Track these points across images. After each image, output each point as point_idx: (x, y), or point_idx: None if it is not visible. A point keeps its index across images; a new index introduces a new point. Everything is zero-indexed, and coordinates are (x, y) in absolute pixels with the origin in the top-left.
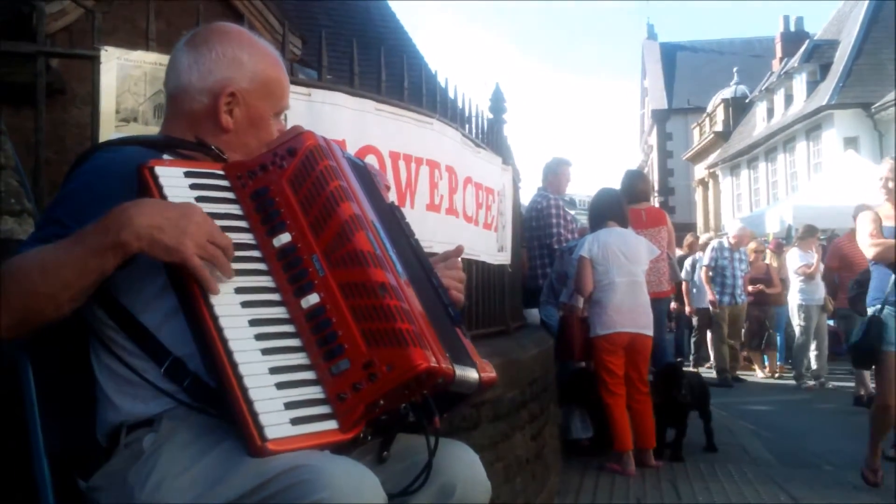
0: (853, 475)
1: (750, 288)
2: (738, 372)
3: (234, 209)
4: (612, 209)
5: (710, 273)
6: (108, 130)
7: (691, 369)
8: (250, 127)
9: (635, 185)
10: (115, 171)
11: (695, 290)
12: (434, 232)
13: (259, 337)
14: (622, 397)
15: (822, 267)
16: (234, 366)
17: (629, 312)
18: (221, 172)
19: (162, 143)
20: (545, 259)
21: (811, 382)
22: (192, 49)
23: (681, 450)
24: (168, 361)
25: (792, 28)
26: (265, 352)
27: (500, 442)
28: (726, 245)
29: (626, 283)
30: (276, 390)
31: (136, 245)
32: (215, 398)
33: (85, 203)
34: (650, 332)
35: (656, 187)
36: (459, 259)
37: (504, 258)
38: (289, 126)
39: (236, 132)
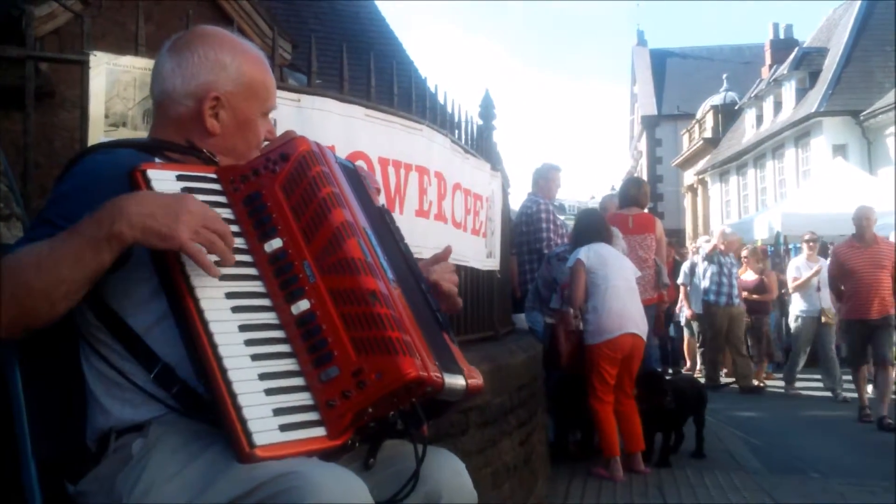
0: (840, 483)
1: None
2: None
3: (225, 213)
4: (597, 229)
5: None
6: (98, 135)
7: (692, 374)
8: (237, 129)
9: (627, 190)
10: (107, 173)
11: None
12: (423, 238)
13: (249, 342)
14: (610, 404)
15: (824, 275)
16: (224, 371)
17: (631, 316)
18: (214, 176)
19: (154, 146)
20: (535, 264)
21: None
22: (174, 54)
23: (668, 455)
24: (157, 368)
25: (781, 35)
26: (255, 357)
27: (487, 448)
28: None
29: (625, 288)
30: (264, 396)
31: (129, 234)
32: (204, 406)
33: (77, 205)
34: (645, 336)
35: None
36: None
37: (493, 264)
38: (279, 132)
39: (223, 135)
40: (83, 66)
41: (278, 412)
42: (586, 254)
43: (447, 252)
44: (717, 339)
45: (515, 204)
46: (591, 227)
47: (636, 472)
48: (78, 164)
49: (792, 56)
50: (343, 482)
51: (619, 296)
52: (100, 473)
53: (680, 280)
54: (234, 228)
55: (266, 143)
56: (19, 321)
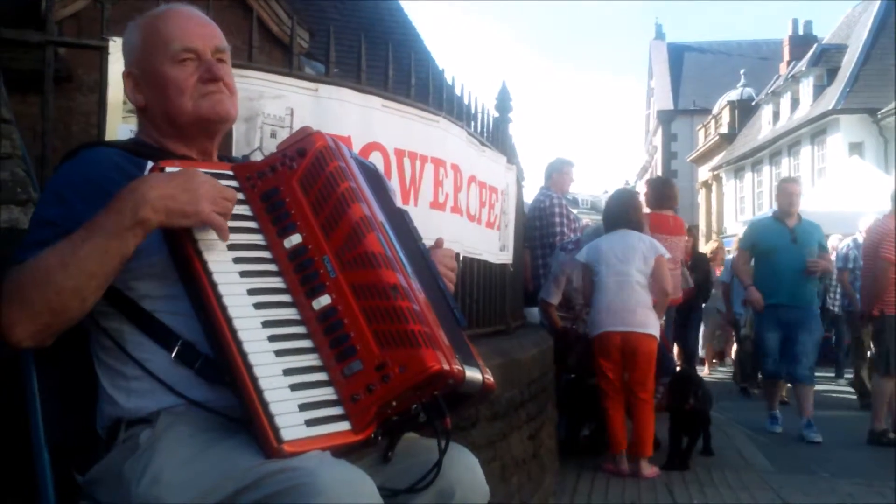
0: (849, 482)
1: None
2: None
3: (243, 210)
4: (621, 215)
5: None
6: (116, 121)
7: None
8: (154, 90)
9: (663, 189)
10: (98, 170)
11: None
12: (438, 230)
13: (272, 338)
14: (617, 400)
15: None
16: (249, 367)
17: (619, 312)
18: (230, 173)
19: (135, 148)
20: (548, 258)
21: None
22: None
23: (688, 458)
24: (178, 345)
25: (800, 31)
26: (279, 353)
27: (497, 441)
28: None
29: (615, 282)
30: (290, 392)
31: (155, 219)
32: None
33: (79, 203)
34: (648, 331)
35: None
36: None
37: (506, 257)
38: (297, 120)
39: (150, 104)
40: (102, 52)
41: (304, 407)
42: (587, 251)
43: (439, 243)
44: (862, 348)
45: (529, 197)
46: (615, 212)
47: (639, 477)
48: (70, 161)
49: (810, 53)
50: (351, 481)
51: (608, 292)
52: (108, 463)
53: (722, 277)
54: (253, 225)
55: (210, 84)
56: (51, 326)
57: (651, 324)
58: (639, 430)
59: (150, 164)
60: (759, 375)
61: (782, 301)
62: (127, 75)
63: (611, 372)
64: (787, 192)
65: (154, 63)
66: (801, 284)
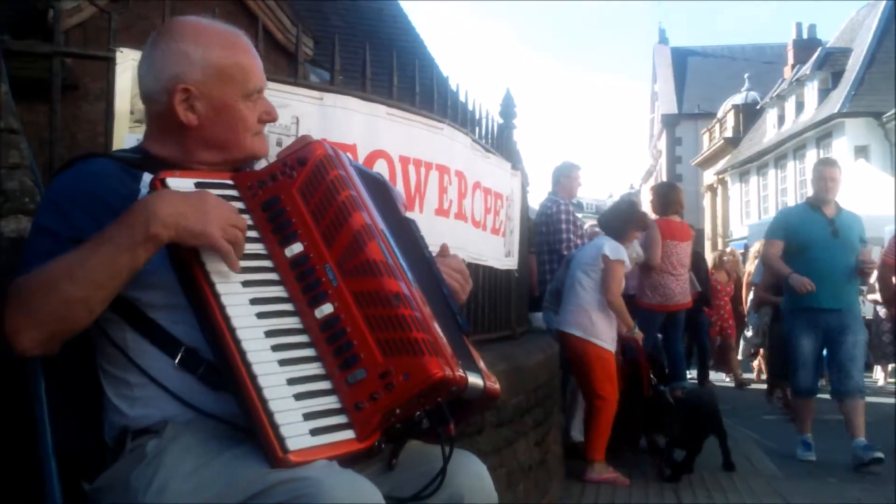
0: (857, 489)
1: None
2: None
3: (245, 219)
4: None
5: None
6: (122, 131)
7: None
8: (217, 117)
9: (672, 195)
10: (94, 181)
11: None
12: (442, 237)
13: (276, 348)
14: (591, 402)
15: None
16: (253, 377)
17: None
18: (231, 183)
19: (140, 161)
20: (554, 264)
21: None
22: (146, 53)
23: (683, 471)
24: (181, 351)
25: (804, 35)
26: (282, 363)
27: (503, 448)
28: None
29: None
30: (294, 401)
31: (165, 235)
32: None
33: (71, 212)
34: (570, 330)
35: None
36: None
37: (511, 263)
38: (302, 129)
39: (203, 126)
40: (109, 62)
41: (308, 416)
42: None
43: (444, 250)
44: None
45: (534, 202)
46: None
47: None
48: (66, 172)
49: (815, 56)
50: (357, 490)
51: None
52: (116, 471)
53: (754, 279)
54: (254, 234)
55: (264, 124)
56: (57, 334)
57: (577, 324)
58: (589, 431)
59: (146, 176)
60: (783, 390)
61: (822, 305)
62: (182, 90)
63: (573, 369)
64: (824, 176)
65: (226, 94)
66: (845, 285)
